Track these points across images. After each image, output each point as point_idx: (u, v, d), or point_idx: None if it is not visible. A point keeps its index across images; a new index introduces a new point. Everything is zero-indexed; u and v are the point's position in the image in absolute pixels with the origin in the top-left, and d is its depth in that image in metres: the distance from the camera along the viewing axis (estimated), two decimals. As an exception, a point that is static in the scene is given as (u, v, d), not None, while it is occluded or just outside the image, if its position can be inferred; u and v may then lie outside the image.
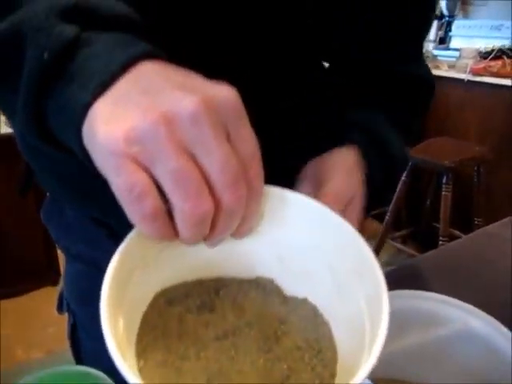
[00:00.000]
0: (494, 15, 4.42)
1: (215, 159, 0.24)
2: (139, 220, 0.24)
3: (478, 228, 2.04)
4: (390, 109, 0.54)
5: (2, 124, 1.62)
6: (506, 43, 3.99)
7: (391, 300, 0.43)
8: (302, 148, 0.49)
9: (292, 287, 0.32)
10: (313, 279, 0.31)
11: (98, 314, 0.36)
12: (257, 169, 0.26)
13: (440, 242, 1.87)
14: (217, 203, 0.24)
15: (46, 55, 0.25)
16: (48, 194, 0.58)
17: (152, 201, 0.24)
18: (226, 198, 0.24)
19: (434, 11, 0.60)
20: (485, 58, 2.11)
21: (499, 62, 2.03)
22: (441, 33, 4.70)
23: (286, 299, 0.31)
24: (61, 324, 0.65)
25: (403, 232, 2.38)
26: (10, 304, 1.88)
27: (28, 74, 0.26)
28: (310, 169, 0.44)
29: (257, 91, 0.42)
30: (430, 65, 1.86)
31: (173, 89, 0.25)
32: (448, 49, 4.28)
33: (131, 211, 0.24)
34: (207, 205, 0.24)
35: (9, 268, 1.85)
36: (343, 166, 0.44)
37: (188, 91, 0.24)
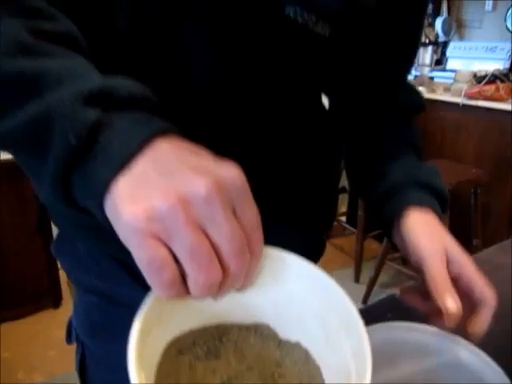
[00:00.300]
0: (489, 37, 4.50)
1: (224, 234, 0.28)
2: (158, 287, 0.28)
3: (477, 249, 2.06)
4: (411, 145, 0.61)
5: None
6: (501, 64, 4.06)
7: (383, 332, 0.45)
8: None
9: (286, 331, 0.35)
10: (305, 326, 0.34)
11: (110, 345, 0.38)
12: (258, 237, 0.30)
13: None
14: (224, 269, 0.29)
15: (72, 139, 0.29)
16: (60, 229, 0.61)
17: (170, 273, 0.27)
18: (233, 265, 0.29)
19: (418, 48, 0.65)
20: (479, 83, 2.15)
21: (493, 87, 2.08)
22: (437, 55, 4.79)
23: (281, 343, 0.35)
24: (62, 347, 0.66)
25: (403, 253, 2.40)
26: (11, 327, 1.89)
27: (56, 157, 0.30)
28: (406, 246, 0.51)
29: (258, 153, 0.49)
30: (426, 88, 1.90)
31: (187, 170, 0.29)
32: (444, 70, 4.35)
33: (151, 280, 0.28)
34: (217, 274, 0.28)
35: (10, 291, 1.86)
36: (433, 236, 0.50)
37: (200, 173, 0.28)
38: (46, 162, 0.30)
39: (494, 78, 2.14)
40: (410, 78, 2.68)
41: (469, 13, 4.52)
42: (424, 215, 0.52)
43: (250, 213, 0.30)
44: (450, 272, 0.47)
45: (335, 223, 2.77)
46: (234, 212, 0.29)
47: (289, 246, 0.42)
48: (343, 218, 2.80)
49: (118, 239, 0.30)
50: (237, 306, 0.34)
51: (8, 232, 1.77)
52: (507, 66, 4.08)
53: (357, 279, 2.40)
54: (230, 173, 0.29)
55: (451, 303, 0.44)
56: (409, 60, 0.65)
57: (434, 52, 4.79)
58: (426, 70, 2.54)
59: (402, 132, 0.64)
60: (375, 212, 0.59)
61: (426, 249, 0.48)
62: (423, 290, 0.48)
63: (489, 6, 4.49)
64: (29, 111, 0.30)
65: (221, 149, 0.32)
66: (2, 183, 1.68)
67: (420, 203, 0.53)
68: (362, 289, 2.22)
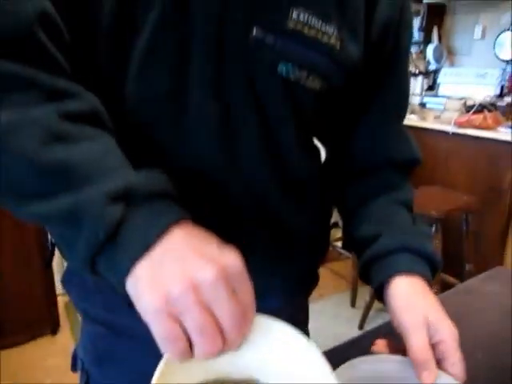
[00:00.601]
0: (478, 64, 4.61)
1: (226, 312, 0.35)
2: (171, 354, 0.35)
3: (469, 274, 2.09)
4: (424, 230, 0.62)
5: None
6: (491, 90, 4.15)
7: (356, 367, 0.49)
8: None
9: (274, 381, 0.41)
10: (292, 379, 0.40)
11: (114, 373, 0.44)
12: (251, 309, 0.37)
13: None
14: (225, 338, 0.35)
15: (100, 235, 0.35)
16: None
17: (182, 345, 0.34)
18: (232, 336, 0.35)
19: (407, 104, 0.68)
20: (468, 112, 2.23)
21: (481, 116, 2.15)
22: (429, 81, 4.90)
23: None
24: (59, 375, 0.68)
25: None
26: (8, 354, 1.89)
27: (85, 245, 0.36)
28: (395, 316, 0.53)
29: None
30: (417, 116, 1.97)
31: (197, 257, 0.35)
32: (437, 96, 4.45)
33: (165, 348, 0.35)
34: (219, 345, 0.35)
35: (8, 318, 1.87)
36: (418, 310, 0.52)
37: (208, 260, 0.35)
38: (76, 244, 0.37)
39: (481, 107, 2.21)
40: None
41: (458, 40, 4.64)
42: (411, 283, 0.54)
43: (247, 292, 0.37)
44: (429, 339, 0.49)
45: (331, 248, 2.80)
46: (234, 291, 0.35)
47: (285, 281, 0.53)
48: (339, 244, 2.84)
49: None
50: (229, 362, 0.39)
51: (7, 260, 1.80)
52: (497, 92, 4.19)
53: (353, 304, 2.42)
54: (231, 260, 0.36)
55: (427, 379, 0.47)
56: (400, 110, 0.66)
57: (426, 78, 4.90)
58: (417, 99, 2.61)
59: (397, 189, 0.65)
60: (365, 272, 0.61)
61: (407, 322, 0.51)
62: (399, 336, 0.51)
63: (477, 34, 4.62)
64: (62, 202, 0.36)
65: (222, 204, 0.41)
66: (4, 212, 1.72)
67: (409, 270, 0.55)
68: (358, 313, 2.24)
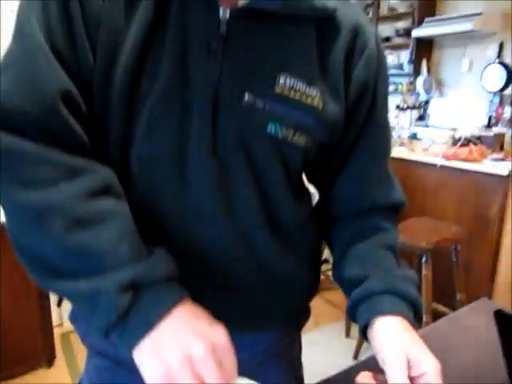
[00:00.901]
0: (466, 95, 4.74)
1: (213, 379, 0.45)
2: None
3: (461, 303, 2.13)
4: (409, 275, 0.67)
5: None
6: (479, 120, 4.27)
7: None
8: None
9: None
10: None
11: None
12: (234, 375, 0.47)
13: (424, 320, 1.95)
14: None
15: (112, 318, 0.45)
16: None
17: None
18: None
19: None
20: (454, 145, 2.31)
21: (467, 149, 2.23)
22: (420, 111, 5.03)
23: None
24: None
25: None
26: (5, 387, 1.90)
27: (99, 323, 0.46)
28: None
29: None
30: (406, 149, 2.04)
31: (191, 335, 0.46)
32: (427, 126, 4.57)
33: None
34: None
35: (4, 351, 1.88)
36: (402, 347, 0.55)
37: (200, 336, 0.46)
38: (91, 320, 0.47)
39: (467, 141, 2.30)
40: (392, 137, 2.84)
41: (447, 73, 4.79)
42: (394, 322, 0.59)
43: (230, 361, 0.47)
44: (411, 373, 0.53)
45: (325, 277, 2.83)
46: (220, 361, 0.45)
47: (277, 319, 0.63)
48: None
49: None
50: None
51: (5, 292, 1.83)
52: (485, 122, 4.30)
53: (347, 333, 2.43)
54: (219, 335, 0.47)
55: None
56: (382, 156, 0.71)
57: (417, 109, 5.03)
58: (406, 132, 2.70)
59: (383, 232, 0.69)
60: (353, 311, 0.65)
61: (388, 358, 0.55)
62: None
63: (465, 67, 4.77)
64: (81, 287, 0.46)
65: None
66: (3, 247, 1.76)
67: (392, 312, 0.59)
68: (352, 343, 2.26)
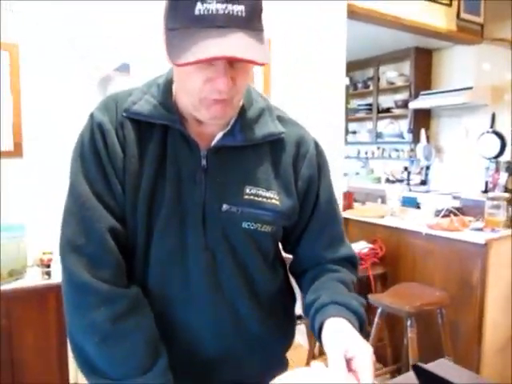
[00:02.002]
0: (465, 161, 4.97)
1: None
2: None
3: (452, 365, 2.23)
4: (352, 293, 0.87)
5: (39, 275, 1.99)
6: (479, 184, 4.46)
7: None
8: None
9: None
10: None
11: None
12: None
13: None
14: None
15: None
16: None
17: None
18: None
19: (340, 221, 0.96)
20: (437, 216, 2.51)
21: (448, 220, 2.42)
22: (422, 176, 5.26)
23: None
24: None
25: (389, 368, 2.58)
26: None
27: None
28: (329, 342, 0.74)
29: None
30: (397, 218, 2.28)
31: None
32: (428, 191, 4.78)
33: None
34: None
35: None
36: (347, 335, 0.74)
37: None
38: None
39: (448, 212, 2.50)
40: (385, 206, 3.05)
41: (445, 140, 5.06)
42: (337, 322, 0.76)
43: None
44: (348, 357, 0.69)
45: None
46: None
47: (256, 370, 0.80)
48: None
49: None
50: None
51: (29, 349, 2.03)
52: (483, 187, 4.50)
53: None
54: None
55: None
56: (331, 226, 0.93)
57: (419, 174, 5.26)
58: (396, 203, 2.92)
59: (336, 272, 0.90)
60: (311, 326, 0.84)
61: (330, 347, 0.72)
62: None
63: (461, 135, 5.04)
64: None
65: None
66: (31, 307, 2.00)
67: (336, 315, 0.77)
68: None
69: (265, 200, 0.83)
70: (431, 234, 2.44)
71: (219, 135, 0.82)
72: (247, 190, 0.82)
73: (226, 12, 0.65)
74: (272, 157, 0.86)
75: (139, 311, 0.77)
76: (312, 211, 0.91)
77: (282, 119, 0.89)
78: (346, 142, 6.01)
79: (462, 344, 2.37)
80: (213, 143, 0.81)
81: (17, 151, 2.21)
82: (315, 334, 0.83)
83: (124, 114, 0.80)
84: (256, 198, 0.82)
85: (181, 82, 0.76)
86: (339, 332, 0.75)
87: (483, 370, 2.30)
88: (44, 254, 1.98)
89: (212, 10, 0.65)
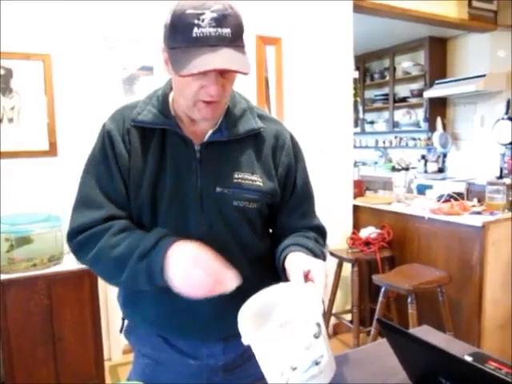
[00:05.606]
0: (480, 148, 5.01)
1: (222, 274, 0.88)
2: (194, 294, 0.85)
3: (455, 341, 2.38)
4: (311, 241, 1.06)
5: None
6: (493, 171, 4.53)
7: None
8: None
9: None
10: None
11: None
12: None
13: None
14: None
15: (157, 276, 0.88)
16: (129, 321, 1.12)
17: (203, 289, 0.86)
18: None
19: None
20: (439, 201, 2.65)
21: (449, 204, 2.55)
22: (438, 164, 5.33)
23: None
24: None
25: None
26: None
27: (147, 278, 0.90)
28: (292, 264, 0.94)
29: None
30: (403, 204, 2.46)
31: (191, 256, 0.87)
32: (444, 179, 4.86)
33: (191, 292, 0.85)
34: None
35: (63, 375, 2.31)
36: (305, 259, 0.94)
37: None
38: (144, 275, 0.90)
39: (449, 197, 2.63)
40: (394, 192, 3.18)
41: (461, 128, 5.10)
42: (297, 255, 0.95)
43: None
44: (303, 270, 0.88)
45: (339, 322, 3.14)
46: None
47: None
48: (347, 316, 3.16)
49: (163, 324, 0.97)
50: None
51: (68, 328, 2.30)
52: (497, 173, 4.57)
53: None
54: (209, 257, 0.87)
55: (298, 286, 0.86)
56: (304, 204, 1.12)
57: (436, 161, 5.33)
58: (402, 190, 3.05)
59: (305, 232, 1.07)
60: (277, 262, 1.03)
61: (292, 266, 0.91)
62: None
63: (477, 122, 5.08)
64: (131, 269, 0.91)
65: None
66: (68, 288, 2.26)
67: (295, 251, 0.97)
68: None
69: (250, 182, 1.01)
70: (433, 218, 2.58)
71: (209, 132, 1.01)
72: (235, 175, 1.00)
73: (217, 34, 0.83)
74: (254, 148, 1.04)
75: (133, 228, 0.97)
76: (291, 192, 1.09)
77: (261, 117, 1.08)
78: (364, 132, 6.13)
79: (463, 320, 2.51)
80: (205, 139, 1.01)
81: (52, 150, 2.47)
82: (280, 269, 1.01)
83: (132, 124, 1.00)
84: (243, 181, 1.00)
85: (179, 88, 0.94)
86: (297, 257, 0.95)
87: (484, 346, 2.44)
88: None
89: (206, 33, 0.83)
